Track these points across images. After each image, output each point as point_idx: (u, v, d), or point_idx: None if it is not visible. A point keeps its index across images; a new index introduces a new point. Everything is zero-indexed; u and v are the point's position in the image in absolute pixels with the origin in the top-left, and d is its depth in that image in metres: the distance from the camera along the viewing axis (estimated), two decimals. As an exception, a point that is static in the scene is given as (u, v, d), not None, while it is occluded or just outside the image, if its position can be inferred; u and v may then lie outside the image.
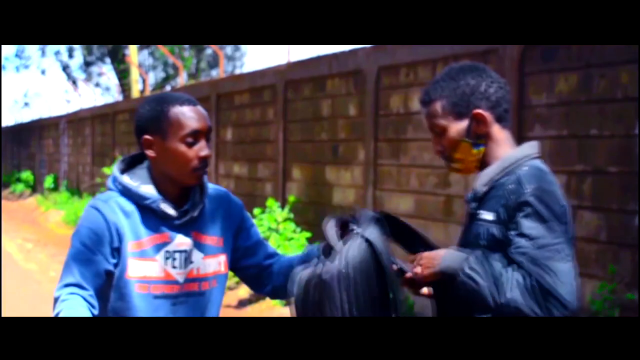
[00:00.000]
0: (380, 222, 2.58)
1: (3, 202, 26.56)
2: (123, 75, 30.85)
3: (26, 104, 42.20)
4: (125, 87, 29.87)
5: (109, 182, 2.77)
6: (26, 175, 30.63)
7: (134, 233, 2.67)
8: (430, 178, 8.17)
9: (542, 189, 2.42)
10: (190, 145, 2.64)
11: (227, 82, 13.88)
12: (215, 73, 33.32)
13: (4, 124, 40.49)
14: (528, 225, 2.40)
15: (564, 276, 2.35)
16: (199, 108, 2.69)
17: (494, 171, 2.55)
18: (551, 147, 6.61)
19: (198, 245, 2.76)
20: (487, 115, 2.56)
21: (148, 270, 2.67)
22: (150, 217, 2.70)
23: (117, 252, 2.65)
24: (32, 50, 39.83)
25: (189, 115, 2.65)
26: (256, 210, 10.93)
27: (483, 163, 2.60)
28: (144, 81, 27.53)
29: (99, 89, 37.51)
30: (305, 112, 10.93)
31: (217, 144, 13.54)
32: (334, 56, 10.15)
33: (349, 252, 2.46)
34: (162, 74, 35.64)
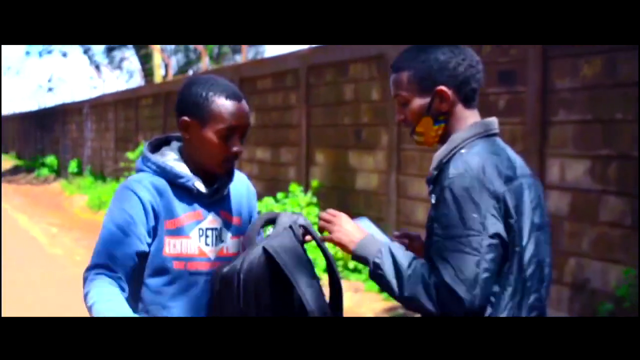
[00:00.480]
0: (291, 230, 2.64)
1: (28, 186, 26.77)
2: (146, 60, 30.91)
3: (50, 89, 42.35)
4: (148, 71, 29.94)
5: (139, 164, 2.79)
6: (50, 159, 30.80)
7: (168, 211, 2.70)
8: (453, 163, 8.13)
9: (463, 176, 2.39)
10: (225, 139, 2.66)
11: (249, 66, 13.90)
12: (238, 57, 33.32)
13: (27, 109, 40.72)
14: (441, 212, 2.41)
15: (466, 271, 2.33)
16: (243, 104, 2.70)
17: (442, 154, 2.53)
18: (575, 131, 6.59)
19: (226, 225, 2.81)
20: (451, 93, 2.54)
21: (184, 248, 2.71)
22: (184, 195, 2.73)
23: (153, 231, 2.67)
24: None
25: (231, 110, 2.66)
26: (279, 195, 10.95)
27: (444, 138, 2.59)
28: (166, 66, 27.60)
29: (122, 74, 37.66)
30: (328, 96, 10.92)
31: (240, 128, 13.50)
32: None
33: (246, 258, 2.57)
34: (185, 59, 35.72)
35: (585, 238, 6.52)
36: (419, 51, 2.60)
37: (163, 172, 2.73)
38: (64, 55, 38.86)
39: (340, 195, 10.41)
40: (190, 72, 30.26)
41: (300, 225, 2.67)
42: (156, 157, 2.77)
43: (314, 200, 10.64)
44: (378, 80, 9.65)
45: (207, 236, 2.75)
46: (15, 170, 34.51)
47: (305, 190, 11.03)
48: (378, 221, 4.48)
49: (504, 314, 2.41)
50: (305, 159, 11.36)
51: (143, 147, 2.88)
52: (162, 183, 2.72)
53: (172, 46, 34.94)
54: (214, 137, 2.66)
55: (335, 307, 2.67)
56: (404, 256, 2.45)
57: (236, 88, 2.75)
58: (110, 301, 2.53)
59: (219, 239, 2.78)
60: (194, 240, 2.72)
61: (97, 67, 36.69)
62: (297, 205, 10.46)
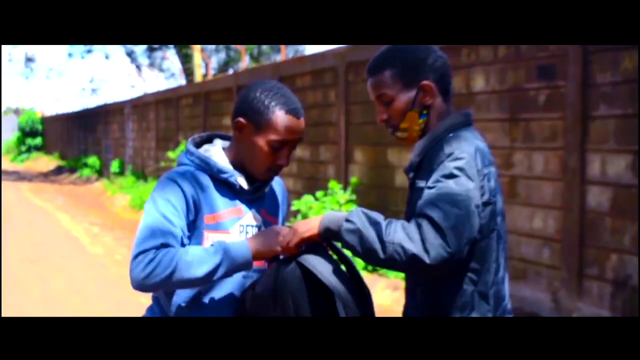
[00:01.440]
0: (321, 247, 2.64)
1: (71, 186, 27.03)
2: (187, 59, 31.07)
3: (93, 90, 42.76)
4: (188, 71, 30.09)
5: (182, 158, 2.82)
6: (92, 160, 31.07)
7: (209, 206, 2.71)
8: (493, 159, 8.07)
9: (459, 154, 2.51)
10: (275, 149, 2.71)
11: (288, 65, 13.88)
12: (278, 57, 33.40)
13: (70, 110, 41.13)
14: (436, 178, 2.50)
15: (457, 218, 2.40)
16: (301, 121, 2.73)
17: (426, 141, 2.69)
18: (616, 126, 6.51)
19: (266, 223, 2.85)
20: (434, 86, 2.70)
21: None
22: (225, 190, 2.76)
23: (192, 224, 2.67)
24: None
25: (288, 125, 2.69)
26: (319, 193, 10.94)
27: (424, 132, 2.73)
28: (206, 65, 27.72)
29: (162, 74, 37.89)
30: (367, 94, 10.74)
31: (279, 127, 13.52)
32: (395, 37, 10.07)
33: (279, 271, 2.57)
34: (225, 58, 35.87)
35: (627, 234, 6.43)
36: (398, 49, 2.74)
37: (207, 166, 2.76)
38: (107, 57, 39.23)
39: (379, 192, 10.38)
40: (231, 71, 30.39)
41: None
42: (199, 152, 2.80)
43: (353, 197, 10.61)
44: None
45: (247, 232, 2.77)
46: (58, 171, 34.87)
47: (345, 188, 11.01)
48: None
49: (491, 291, 2.56)
50: (344, 157, 11.34)
51: (185, 144, 2.89)
52: (204, 177, 2.74)
53: (213, 46, 35.11)
54: (265, 146, 2.70)
55: (366, 309, 2.64)
56: (377, 214, 2.51)
57: (298, 103, 2.76)
58: (190, 254, 2.53)
59: None
60: (234, 236, 2.73)
61: (139, 68, 36.97)
62: (336, 203, 10.45)
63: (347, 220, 2.48)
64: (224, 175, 2.74)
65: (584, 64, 6.83)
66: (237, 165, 2.79)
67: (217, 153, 2.82)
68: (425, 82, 2.68)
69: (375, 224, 2.44)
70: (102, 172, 30.02)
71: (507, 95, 7.88)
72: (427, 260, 2.34)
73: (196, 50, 26.35)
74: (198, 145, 2.89)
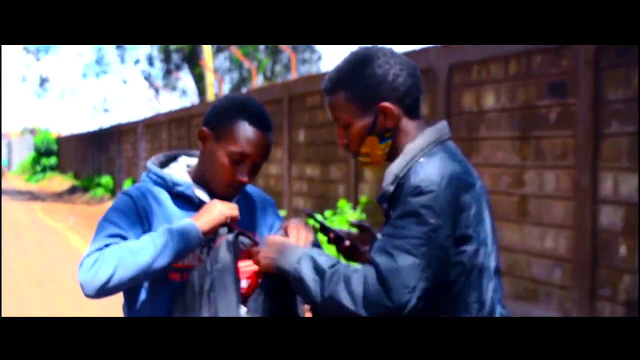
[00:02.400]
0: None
1: (84, 206, 27.01)
2: (199, 78, 31.15)
3: (105, 110, 42.84)
4: (202, 90, 30.16)
5: (143, 176, 2.71)
6: (106, 179, 31.09)
7: (165, 220, 2.56)
8: (503, 177, 7.97)
9: (422, 187, 2.24)
10: (234, 162, 2.55)
11: (299, 83, 13.81)
12: (290, 77, 33.45)
13: (84, 130, 41.28)
14: (397, 215, 2.28)
15: (406, 270, 2.19)
16: (266, 136, 2.57)
17: (398, 168, 2.38)
18: (629, 144, 6.38)
19: None
20: (395, 108, 2.40)
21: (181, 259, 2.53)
22: (184, 205, 2.62)
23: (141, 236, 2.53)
24: (111, 57, 40.56)
25: (248, 136, 2.54)
26: (327, 213, 10.84)
27: (391, 155, 2.45)
28: (219, 84, 27.74)
29: (176, 93, 38.00)
30: (377, 112, 10.77)
31: (289, 146, 13.50)
32: (404, 55, 9.99)
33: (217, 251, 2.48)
34: (238, 76, 35.92)
35: (640, 254, 6.29)
36: (352, 67, 2.45)
37: (162, 181, 2.64)
38: (124, 82, 39.43)
39: (390, 212, 10.27)
40: (244, 90, 30.45)
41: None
42: (156, 168, 2.68)
43: (363, 216, 10.50)
44: (427, 94, 9.49)
45: (209, 247, 2.57)
46: (72, 191, 34.88)
47: (354, 207, 10.90)
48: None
49: None
50: (355, 176, 11.23)
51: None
52: (161, 192, 2.63)
53: (226, 65, 35.17)
54: (224, 157, 2.55)
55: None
56: (327, 260, 2.32)
57: (268, 120, 2.61)
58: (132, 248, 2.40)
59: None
60: (194, 251, 2.55)
61: (156, 91, 37.12)
62: (345, 222, 10.34)
63: (295, 269, 2.34)
64: (180, 188, 2.61)
65: (596, 80, 6.71)
66: (200, 180, 2.66)
67: (178, 169, 2.72)
68: (383, 104, 2.39)
69: (319, 274, 2.29)
70: (115, 191, 30.01)
71: (517, 113, 7.77)
72: (364, 315, 2.19)
73: (208, 70, 26.38)
74: (163, 164, 2.77)
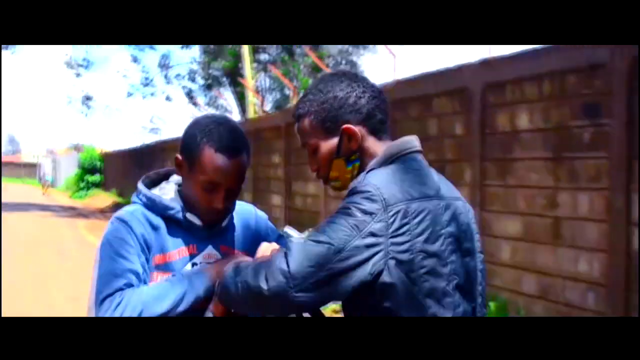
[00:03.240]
0: None
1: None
2: (241, 96, 31.28)
3: (153, 129, 43.11)
4: (243, 108, 30.28)
5: (134, 197, 2.64)
6: (148, 196, 31.28)
7: (159, 246, 2.52)
8: (537, 199, 7.87)
9: (355, 187, 2.20)
10: (207, 191, 2.50)
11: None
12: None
13: (128, 147, 41.64)
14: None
15: (300, 252, 2.10)
16: (235, 161, 2.49)
17: (354, 183, 2.32)
18: (663, 165, 6.25)
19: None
20: (358, 129, 2.38)
21: None
22: (177, 229, 2.57)
23: (145, 264, 2.50)
24: (157, 78, 40.86)
25: (216, 164, 2.46)
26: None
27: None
28: (261, 103, 27.85)
29: (218, 111, 38.20)
30: (412, 131, 10.50)
31: (326, 165, 13.44)
32: (440, 74, 9.94)
33: None
34: (280, 95, 36.03)
35: (674, 279, 6.15)
36: (316, 92, 2.45)
37: (153, 204, 2.57)
38: (168, 99, 39.68)
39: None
40: (287, 106, 30.55)
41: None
42: (146, 190, 2.62)
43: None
44: (461, 114, 9.42)
45: None
46: (115, 208, 35.05)
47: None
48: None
49: None
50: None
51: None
52: (154, 216, 2.56)
53: (267, 84, 35.30)
54: (197, 186, 2.50)
55: None
56: (244, 263, 2.30)
57: (239, 143, 2.52)
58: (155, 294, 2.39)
59: None
60: None
61: (196, 106, 37.34)
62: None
63: (223, 274, 2.32)
64: (171, 212, 2.55)
65: (629, 101, 6.60)
66: (189, 202, 2.58)
67: (168, 189, 2.66)
68: (346, 126, 2.37)
69: (236, 270, 2.26)
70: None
71: (551, 134, 7.67)
72: (265, 290, 2.12)
73: (249, 89, 26.48)
74: (155, 182, 2.72)
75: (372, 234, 2.13)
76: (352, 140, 2.38)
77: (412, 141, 2.42)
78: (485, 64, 8.81)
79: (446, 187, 2.38)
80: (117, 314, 2.34)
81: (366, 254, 2.12)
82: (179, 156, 2.55)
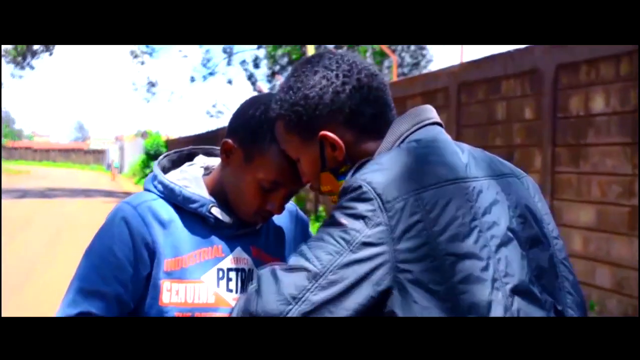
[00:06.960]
0: None
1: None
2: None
3: (217, 113, 43.13)
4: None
5: (147, 182, 2.16)
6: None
7: (172, 247, 2.04)
8: (613, 187, 7.41)
9: (342, 187, 1.65)
10: (264, 190, 2.04)
11: (399, 86, 13.40)
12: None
13: (192, 133, 41.77)
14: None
15: (269, 286, 1.58)
16: None
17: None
18: None
19: (259, 265, 2.05)
20: (342, 134, 1.82)
21: (190, 295, 2.04)
22: (198, 226, 2.09)
23: (147, 278, 2.04)
24: (218, 59, 40.72)
25: (286, 164, 1.99)
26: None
27: None
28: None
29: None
30: (479, 115, 10.30)
31: (389, 150, 13.13)
32: (509, 55, 9.49)
33: None
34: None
35: None
36: (286, 90, 1.87)
37: (171, 194, 2.09)
38: (229, 82, 39.68)
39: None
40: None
41: None
42: (162, 175, 2.14)
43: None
44: (531, 96, 8.98)
45: (229, 279, 2.08)
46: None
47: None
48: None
49: None
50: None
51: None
52: (167, 209, 2.08)
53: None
54: (253, 183, 2.04)
55: None
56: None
57: None
58: None
59: (248, 283, 2.10)
60: (209, 284, 2.06)
61: (259, 93, 37.30)
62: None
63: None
64: (193, 206, 2.07)
65: None
66: (219, 192, 2.12)
67: (192, 172, 2.17)
68: (323, 133, 1.81)
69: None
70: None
71: (629, 117, 7.20)
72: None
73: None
74: (176, 164, 2.25)
75: (367, 244, 1.59)
76: (336, 149, 1.83)
77: (423, 112, 1.86)
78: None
79: (483, 164, 1.79)
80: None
81: (361, 271, 1.58)
82: (230, 141, 2.07)
